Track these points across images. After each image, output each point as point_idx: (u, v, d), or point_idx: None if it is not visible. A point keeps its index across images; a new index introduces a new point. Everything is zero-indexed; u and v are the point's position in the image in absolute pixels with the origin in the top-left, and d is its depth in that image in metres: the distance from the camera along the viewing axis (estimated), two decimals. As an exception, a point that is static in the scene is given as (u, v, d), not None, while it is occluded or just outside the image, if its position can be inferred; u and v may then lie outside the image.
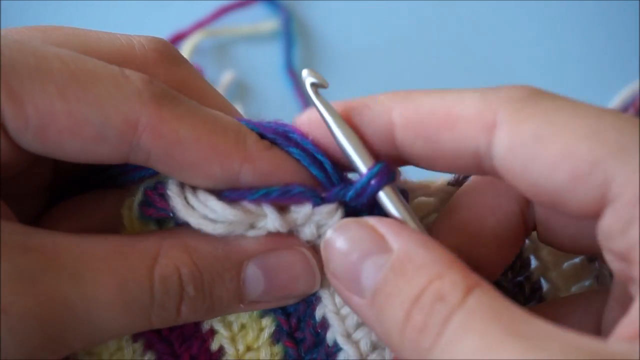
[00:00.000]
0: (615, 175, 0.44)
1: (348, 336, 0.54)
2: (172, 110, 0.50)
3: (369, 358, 0.54)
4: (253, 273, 0.53)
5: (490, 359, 0.42)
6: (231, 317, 0.56)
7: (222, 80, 1.05)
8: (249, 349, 0.56)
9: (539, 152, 0.46)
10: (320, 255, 0.53)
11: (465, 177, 0.57)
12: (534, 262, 0.61)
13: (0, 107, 0.47)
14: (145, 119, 0.50)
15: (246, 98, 1.05)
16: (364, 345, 0.54)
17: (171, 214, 0.53)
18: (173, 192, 0.52)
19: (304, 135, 0.54)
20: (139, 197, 0.54)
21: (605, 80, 1.05)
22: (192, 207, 0.52)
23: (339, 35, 1.09)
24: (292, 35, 1.09)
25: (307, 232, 0.54)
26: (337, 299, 0.54)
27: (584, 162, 0.45)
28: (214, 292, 0.52)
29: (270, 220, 0.53)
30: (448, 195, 0.58)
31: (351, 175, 0.55)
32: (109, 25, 0.57)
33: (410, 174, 0.57)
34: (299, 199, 0.53)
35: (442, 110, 0.50)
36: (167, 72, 0.55)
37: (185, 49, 1.06)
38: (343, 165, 0.54)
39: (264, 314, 0.56)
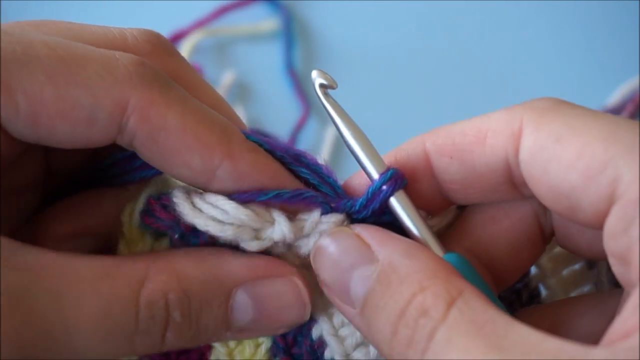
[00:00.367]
0: (623, 173, 0.45)
1: (347, 356, 0.54)
2: (163, 95, 0.50)
3: None
4: (242, 300, 0.52)
5: None
6: None
7: (223, 82, 1.04)
8: None
9: (557, 153, 0.47)
10: (311, 282, 0.52)
11: None
12: (532, 269, 0.61)
13: None
14: (134, 101, 0.49)
15: (246, 98, 1.05)
16: None
17: (169, 230, 0.52)
18: (179, 199, 0.52)
19: (316, 160, 0.53)
20: (140, 205, 0.53)
21: (604, 76, 1.05)
22: (200, 210, 0.51)
23: (339, 35, 1.09)
24: (292, 35, 1.08)
25: (309, 245, 0.52)
26: (335, 321, 0.54)
27: (597, 161, 0.45)
28: (201, 319, 0.51)
29: (279, 225, 0.52)
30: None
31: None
32: (108, 24, 0.57)
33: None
34: (310, 203, 0.52)
35: (472, 129, 0.52)
36: (159, 63, 0.54)
37: (185, 48, 1.06)
38: None
39: None
